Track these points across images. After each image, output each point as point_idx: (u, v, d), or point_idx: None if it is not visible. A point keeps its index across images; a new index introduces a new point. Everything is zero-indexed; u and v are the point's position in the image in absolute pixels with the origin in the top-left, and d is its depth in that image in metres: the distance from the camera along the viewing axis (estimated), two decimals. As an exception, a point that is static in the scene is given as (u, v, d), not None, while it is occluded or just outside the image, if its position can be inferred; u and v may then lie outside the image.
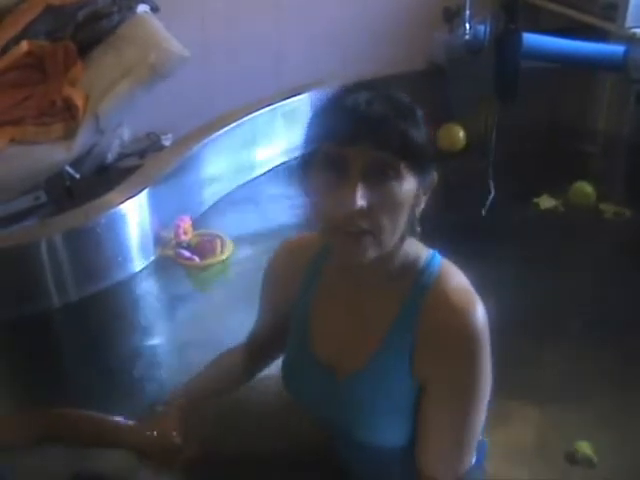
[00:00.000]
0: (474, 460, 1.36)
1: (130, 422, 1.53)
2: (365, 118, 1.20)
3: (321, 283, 1.45)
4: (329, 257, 1.43)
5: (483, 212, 2.93)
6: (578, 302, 2.52)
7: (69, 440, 1.52)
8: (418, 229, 1.32)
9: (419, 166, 1.25)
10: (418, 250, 1.36)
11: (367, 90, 1.25)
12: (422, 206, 1.30)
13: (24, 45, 3.28)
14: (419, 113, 1.27)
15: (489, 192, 2.96)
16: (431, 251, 1.38)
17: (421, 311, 1.31)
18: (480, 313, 1.28)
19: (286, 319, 1.52)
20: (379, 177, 1.21)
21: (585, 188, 3.12)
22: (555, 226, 2.99)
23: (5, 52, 3.27)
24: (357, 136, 1.19)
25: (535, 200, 3.12)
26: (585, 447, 1.94)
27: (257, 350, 1.62)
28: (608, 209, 3.05)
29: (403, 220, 1.26)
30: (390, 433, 1.35)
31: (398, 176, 1.22)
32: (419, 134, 1.24)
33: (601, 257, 2.80)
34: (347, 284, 1.40)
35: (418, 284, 1.33)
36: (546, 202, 3.11)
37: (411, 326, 1.31)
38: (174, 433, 1.45)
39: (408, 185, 1.23)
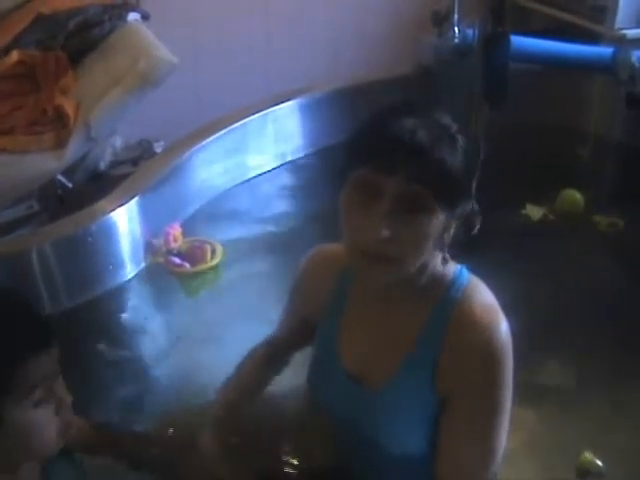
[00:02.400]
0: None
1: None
2: (406, 149, 1.18)
3: (351, 295, 1.46)
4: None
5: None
6: (576, 312, 2.49)
7: (106, 453, 1.56)
8: (447, 256, 1.32)
9: (452, 203, 1.24)
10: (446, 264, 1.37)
11: (411, 116, 1.22)
12: (452, 232, 1.29)
13: (15, 55, 3.28)
14: (461, 141, 1.24)
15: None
16: (459, 266, 1.38)
17: (447, 326, 1.32)
18: (504, 330, 1.30)
19: (311, 325, 1.53)
20: (409, 210, 1.20)
21: (573, 196, 3.07)
22: (548, 238, 2.93)
23: (-4, 62, 3.28)
24: (396, 166, 1.18)
25: (524, 211, 3.07)
26: (592, 458, 1.92)
27: (277, 351, 1.63)
28: (602, 220, 2.97)
29: (428, 247, 1.26)
30: (412, 441, 1.37)
31: (429, 211, 1.21)
32: (457, 169, 1.22)
33: (598, 268, 2.75)
34: (376, 298, 1.41)
35: (446, 299, 1.34)
36: (534, 211, 3.06)
37: (437, 340, 1.32)
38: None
39: (437, 219, 1.22)
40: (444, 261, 1.33)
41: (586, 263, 2.78)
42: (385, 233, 1.19)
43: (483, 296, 1.35)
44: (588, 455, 1.92)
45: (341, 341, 1.46)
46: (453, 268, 1.37)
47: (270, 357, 1.62)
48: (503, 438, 1.34)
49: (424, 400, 1.34)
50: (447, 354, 1.31)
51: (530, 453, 1.97)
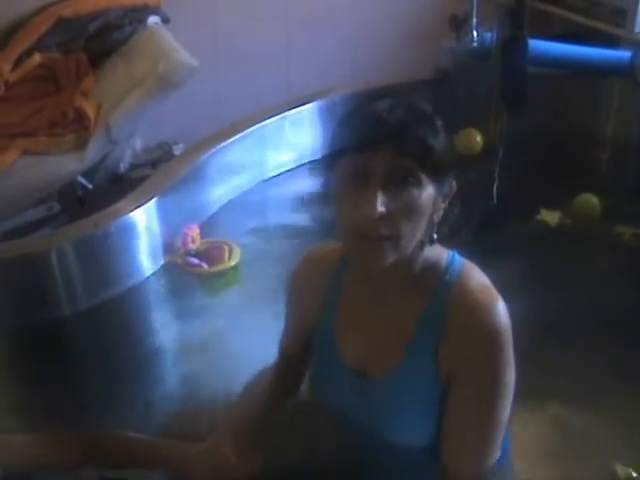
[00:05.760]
0: (499, 454, 1.38)
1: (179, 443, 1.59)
2: (386, 125, 1.22)
3: (345, 290, 1.48)
4: (352, 264, 1.46)
5: (490, 224, 2.92)
6: (595, 321, 2.44)
7: (113, 461, 1.56)
8: (435, 236, 1.35)
9: (438, 174, 1.27)
10: (438, 251, 1.39)
11: (389, 98, 1.27)
12: (440, 213, 1.33)
13: (37, 57, 3.33)
14: (439, 121, 1.30)
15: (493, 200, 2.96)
16: (451, 252, 1.40)
17: (446, 310, 1.34)
18: (502, 310, 1.32)
19: (312, 329, 1.54)
20: (399, 184, 1.23)
21: (590, 200, 3.03)
22: (568, 249, 2.88)
23: (18, 65, 3.32)
24: (378, 143, 1.22)
25: (538, 216, 3.03)
26: (626, 470, 1.88)
27: (288, 366, 1.64)
28: (625, 232, 2.89)
29: (422, 226, 1.28)
30: (417, 432, 1.38)
31: (417, 183, 1.24)
32: (438, 142, 1.27)
33: (622, 279, 2.69)
34: (371, 289, 1.43)
35: (442, 284, 1.35)
36: (550, 216, 3.01)
37: (436, 325, 1.34)
38: (230, 456, 1.50)
39: (427, 192, 1.26)
40: (431, 242, 1.35)
41: (610, 276, 2.73)
42: (380, 210, 1.21)
43: (478, 278, 1.37)
44: (620, 469, 1.89)
45: (340, 337, 1.47)
46: (445, 254, 1.40)
47: (277, 380, 1.64)
48: (506, 416, 1.35)
49: (428, 388, 1.35)
50: (448, 338, 1.33)
51: (555, 462, 1.95)
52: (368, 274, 1.42)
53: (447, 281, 1.35)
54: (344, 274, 1.48)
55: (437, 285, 1.36)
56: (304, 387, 1.63)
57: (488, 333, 1.30)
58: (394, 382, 1.38)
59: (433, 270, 1.37)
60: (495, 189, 2.99)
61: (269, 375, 1.65)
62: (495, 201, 2.99)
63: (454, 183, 1.34)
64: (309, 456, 1.54)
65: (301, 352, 1.60)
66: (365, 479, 1.53)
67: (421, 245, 1.33)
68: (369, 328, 1.43)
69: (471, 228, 2.87)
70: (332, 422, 1.52)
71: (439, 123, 1.30)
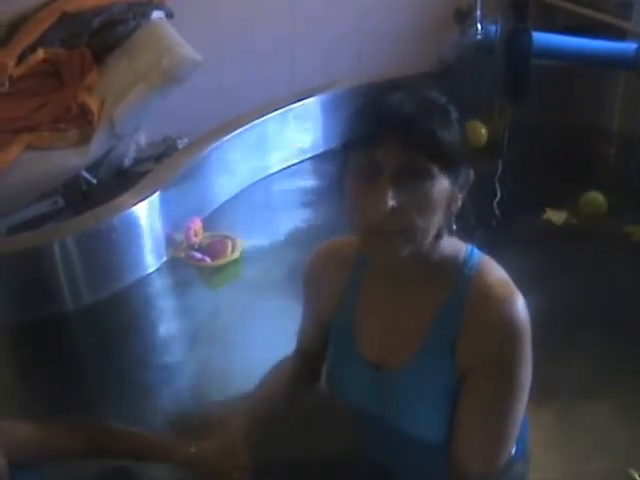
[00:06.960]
0: (514, 450, 1.37)
1: (182, 439, 1.58)
2: (395, 121, 1.21)
3: (364, 283, 1.47)
4: (369, 258, 1.45)
5: (494, 223, 2.91)
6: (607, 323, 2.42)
7: (116, 454, 1.56)
8: (454, 227, 1.34)
9: (450, 166, 1.26)
10: (455, 244, 1.38)
11: (400, 91, 1.25)
12: (459, 204, 1.32)
13: (40, 53, 3.33)
14: (452, 112, 1.28)
15: (497, 197, 2.94)
16: (469, 245, 1.40)
17: (464, 303, 1.33)
18: (521, 305, 1.31)
19: (330, 321, 1.53)
20: (410, 178, 1.22)
21: (596, 198, 2.99)
22: (578, 249, 2.81)
23: (22, 60, 3.32)
24: (387, 139, 1.21)
25: (544, 216, 3.00)
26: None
27: (307, 357, 1.63)
28: (635, 231, 2.87)
29: (438, 219, 1.28)
30: (433, 425, 1.38)
31: (429, 177, 1.23)
32: (450, 134, 1.24)
33: (629, 278, 2.66)
34: (389, 282, 1.42)
35: (460, 277, 1.35)
36: (555, 216, 2.99)
37: (455, 319, 1.33)
38: (239, 453, 1.51)
39: (440, 185, 1.25)
40: (450, 232, 1.34)
41: (619, 275, 2.70)
42: (391, 204, 1.20)
43: (497, 272, 1.36)
44: (634, 472, 1.85)
45: (357, 329, 1.47)
46: (464, 247, 1.39)
47: (295, 373, 1.63)
48: (521, 413, 1.35)
49: (444, 381, 1.35)
50: (466, 332, 1.32)
51: (559, 461, 1.94)
52: (385, 269, 1.41)
53: (466, 274, 1.35)
54: (362, 268, 1.47)
55: (456, 278, 1.35)
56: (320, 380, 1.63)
57: (507, 328, 1.29)
58: (411, 374, 1.38)
59: (451, 263, 1.36)
60: (499, 185, 2.98)
61: (286, 368, 1.64)
62: (499, 197, 2.97)
63: (472, 172, 1.33)
64: (324, 449, 1.53)
65: (319, 345, 1.59)
66: (381, 472, 1.52)
67: (438, 236, 1.32)
68: (386, 320, 1.43)
69: (475, 226, 2.86)
70: (348, 415, 1.51)
71: (453, 115, 1.27)
